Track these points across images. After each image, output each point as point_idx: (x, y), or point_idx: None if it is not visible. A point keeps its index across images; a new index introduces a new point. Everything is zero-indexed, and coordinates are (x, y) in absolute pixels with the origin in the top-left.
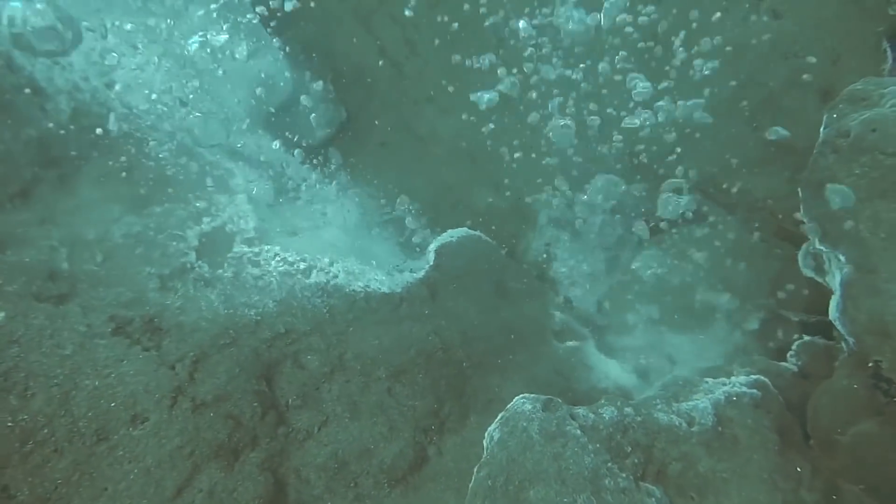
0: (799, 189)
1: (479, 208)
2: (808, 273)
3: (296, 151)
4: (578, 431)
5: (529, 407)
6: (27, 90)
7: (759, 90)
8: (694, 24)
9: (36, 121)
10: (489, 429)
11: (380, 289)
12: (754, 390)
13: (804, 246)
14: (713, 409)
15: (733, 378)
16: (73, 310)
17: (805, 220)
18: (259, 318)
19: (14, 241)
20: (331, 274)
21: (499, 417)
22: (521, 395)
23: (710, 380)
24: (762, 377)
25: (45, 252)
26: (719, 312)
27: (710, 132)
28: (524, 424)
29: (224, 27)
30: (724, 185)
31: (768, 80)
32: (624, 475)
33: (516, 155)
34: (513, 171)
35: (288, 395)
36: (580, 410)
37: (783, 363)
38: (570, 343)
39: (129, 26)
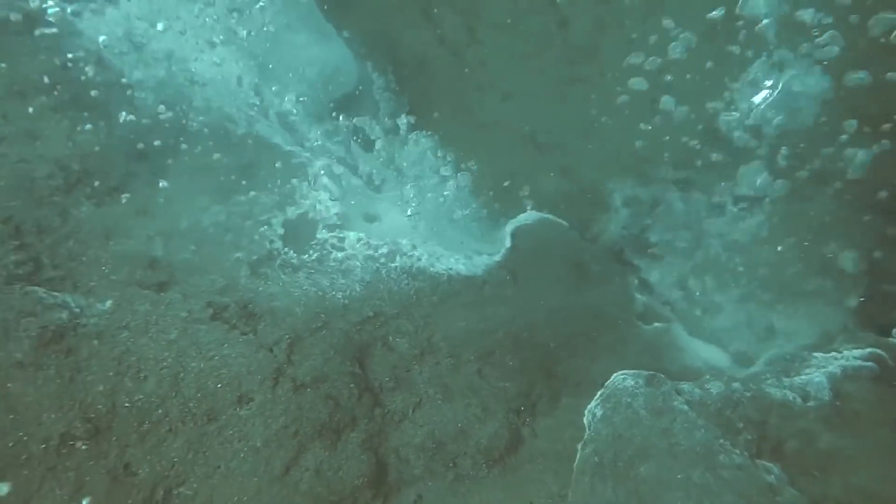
0: None
1: (546, 193)
2: None
3: (363, 140)
4: (685, 406)
5: (631, 383)
6: (118, 87)
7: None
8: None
9: (127, 117)
10: (589, 406)
11: (462, 272)
12: (871, 363)
13: None
14: (829, 383)
15: (845, 352)
16: (175, 296)
17: None
18: (347, 301)
19: (116, 232)
20: (414, 257)
21: (598, 394)
22: (621, 372)
23: (819, 354)
24: (877, 350)
25: (143, 242)
26: (814, 289)
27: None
28: (628, 400)
29: (289, 21)
30: (812, 158)
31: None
32: (738, 451)
33: (582, 138)
34: (579, 155)
35: (381, 377)
36: (685, 386)
37: (891, 338)
38: (656, 325)
39: (206, 20)
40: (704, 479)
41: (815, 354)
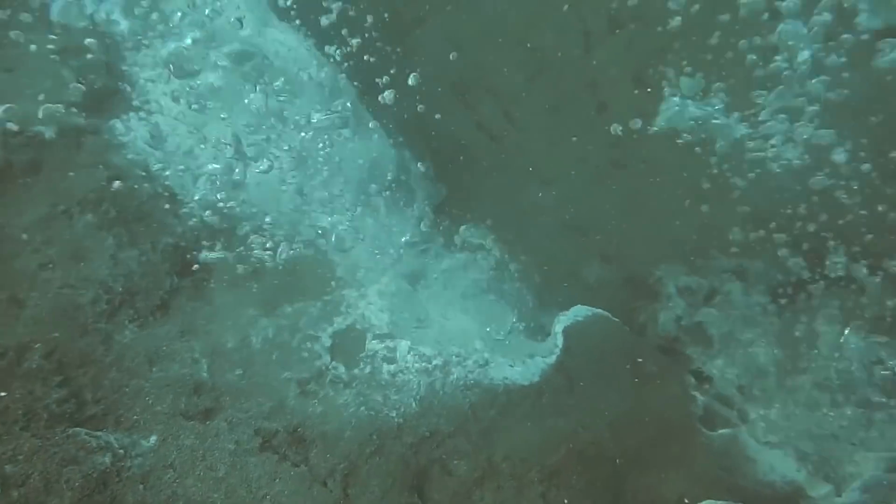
0: None
1: (589, 281)
2: None
3: (406, 236)
4: None
5: None
6: (162, 198)
7: None
8: None
9: (171, 227)
10: None
11: (517, 381)
12: None
13: None
14: None
15: None
16: (221, 425)
17: None
18: (402, 420)
19: (159, 356)
20: (467, 367)
21: None
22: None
23: None
24: None
25: (188, 365)
26: (878, 390)
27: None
28: None
29: (327, 115)
30: (865, 244)
31: None
32: None
33: (625, 224)
34: (622, 241)
35: None
36: None
37: None
38: (722, 431)
39: (245, 126)
40: None
41: None
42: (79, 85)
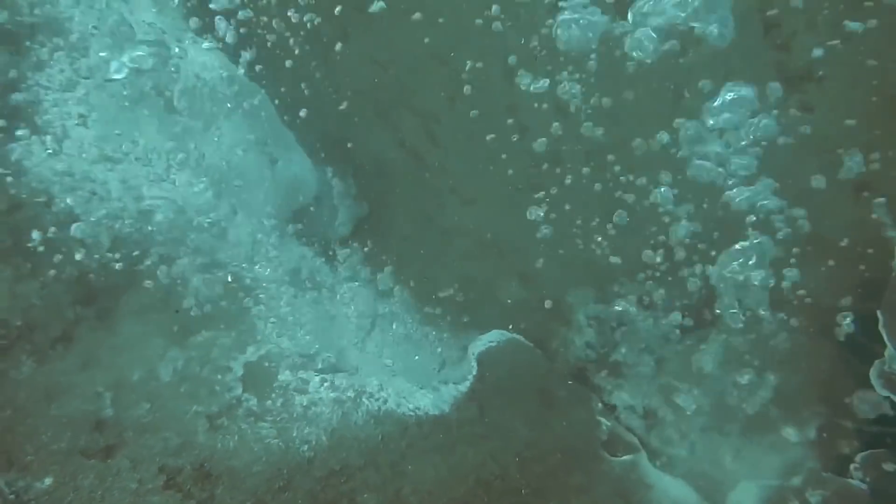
0: (879, 312)
1: (506, 304)
2: (884, 393)
3: (323, 257)
4: None
5: None
6: (64, 225)
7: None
8: None
9: (75, 257)
10: None
11: (429, 411)
12: None
13: (877, 364)
14: None
15: None
16: (122, 463)
17: (888, 342)
18: (312, 453)
19: (58, 391)
20: (381, 399)
21: None
22: None
23: None
24: None
25: (90, 400)
26: (773, 419)
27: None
28: None
29: (251, 136)
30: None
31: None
32: None
33: (546, 247)
34: (542, 265)
35: None
36: None
37: (852, 481)
38: (623, 457)
39: (167, 145)
40: None
41: None
42: None
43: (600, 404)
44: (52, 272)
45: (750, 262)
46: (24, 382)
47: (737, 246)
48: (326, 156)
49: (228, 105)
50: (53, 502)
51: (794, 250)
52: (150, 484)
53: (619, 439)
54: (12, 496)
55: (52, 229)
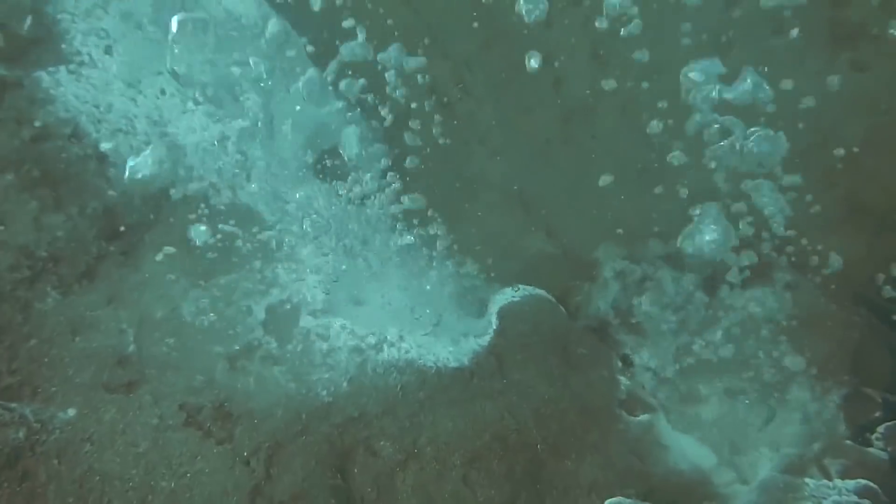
0: None
1: (530, 257)
2: None
3: (348, 204)
4: None
5: None
6: (91, 159)
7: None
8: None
9: (101, 191)
10: None
11: (449, 362)
12: (866, 500)
13: None
14: None
15: (837, 482)
16: (144, 399)
17: None
18: (331, 399)
19: (83, 325)
20: (402, 349)
21: None
22: (616, 501)
23: (811, 482)
24: (870, 484)
25: (113, 336)
26: (796, 385)
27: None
28: None
29: (275, 73)
30: (798, 247)
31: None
32: None
33: (573, 201)
34: (567, 218)
35: (363, 486)
36: None
37: (872, 450)
38: (641, 417)
39: (197, 78)
40: None
41: (807, 482)
42: None
43: (620, 363)
44: (78, 206)
45: (784, 224)
46: (48, 314)
47: (772, 207)
48: (354, 100)
49: (260, 42)
50: (77, 432)
51: (834, 213)
52: (170, 420)
53: (637, 399)
54: (37, 424)
55: (78, 160)
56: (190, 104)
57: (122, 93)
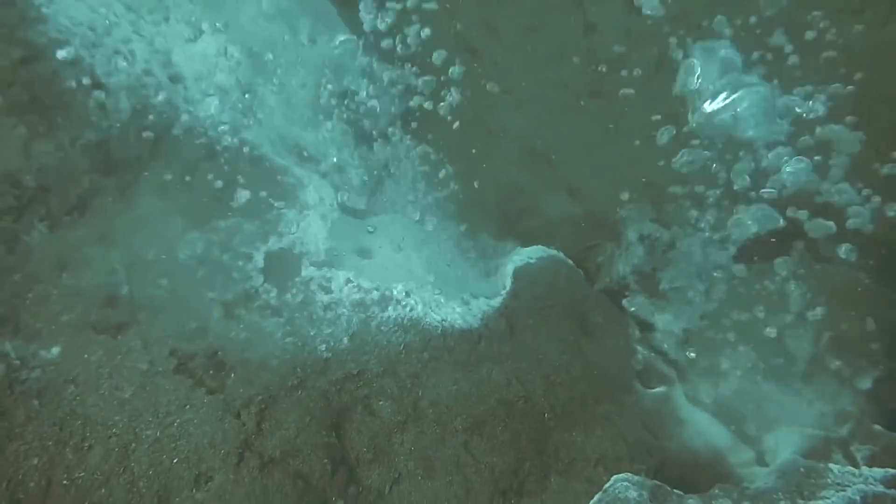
0: None
1: (551, 216)
2: None
3: (362, 150)
4: None
5: (635, 495)
6: (86, 85)
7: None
8: None
9: (95, 122)
10: None
11: (457, 323)
12: (894, 490)
13: None
14: None
15: (864, 469)
16: (134, 342)
17: None
18: (330, 354)
19: (72, 261)
20: (408, 307)
21: (597, 500)
22: (623, 478)
23: (835, 468)
24: None
25: (103, 275)
26: (825, 365)
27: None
28: None
29: (289, 5)
30: (833, 220)
31: None
32: None
33: (599, 159)
34: (592, 176)
35: (358, 446)
36: (692, 501)
37: None
38: (656, 389)
39: (191, 6)
40: None
41: (831, 468)
42: None
43: (638, 332)
44: (70, 135)
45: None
46: (35, 248)
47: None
48: (374, 40)
49: None
50: (60, 373)
51: (866, 192)
52: (160, 366)
53: (654, 370)
54: (17, 362)
55: (71, 87)
56: (193, 30)
57: (122, 16)
